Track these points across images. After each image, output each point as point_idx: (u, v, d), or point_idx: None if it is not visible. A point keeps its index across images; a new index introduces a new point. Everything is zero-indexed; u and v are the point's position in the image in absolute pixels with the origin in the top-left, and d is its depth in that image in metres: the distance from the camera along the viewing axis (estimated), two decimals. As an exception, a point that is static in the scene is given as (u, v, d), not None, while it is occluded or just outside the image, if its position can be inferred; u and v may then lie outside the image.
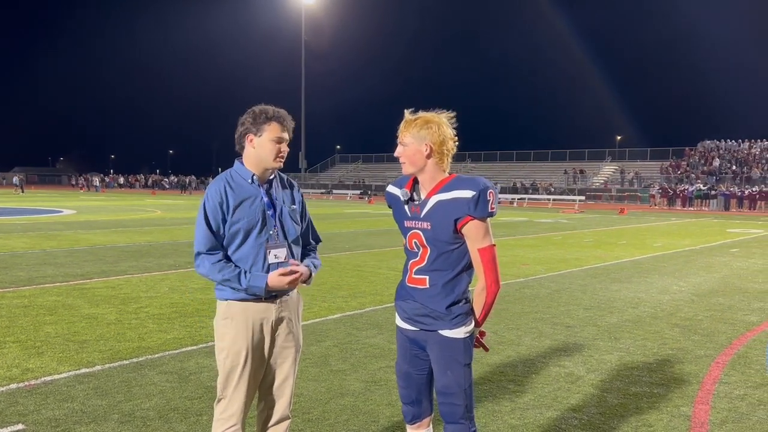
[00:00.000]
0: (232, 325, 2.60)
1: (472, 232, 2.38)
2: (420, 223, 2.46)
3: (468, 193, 2.35)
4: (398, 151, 2.47)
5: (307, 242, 2.89)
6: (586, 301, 7.52)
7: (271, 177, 2.71)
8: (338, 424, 3.67)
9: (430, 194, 2.44)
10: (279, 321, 2.68)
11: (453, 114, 2.50)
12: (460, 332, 2.44)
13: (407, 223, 2.52)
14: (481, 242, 2.39)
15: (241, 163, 2.68)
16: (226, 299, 2.63)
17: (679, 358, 5.17)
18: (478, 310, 2.47)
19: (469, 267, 2.47)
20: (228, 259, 2.61)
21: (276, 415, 2.74)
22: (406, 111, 2.48)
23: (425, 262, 2.48)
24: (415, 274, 2.51)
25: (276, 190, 2.72)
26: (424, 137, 2.41)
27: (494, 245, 2.42)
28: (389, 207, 2.67)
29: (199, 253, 2.60)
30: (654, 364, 5.01)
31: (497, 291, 2.44)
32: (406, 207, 2.52)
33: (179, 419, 3.68)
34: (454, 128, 2.48)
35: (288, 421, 2.77)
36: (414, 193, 2.52)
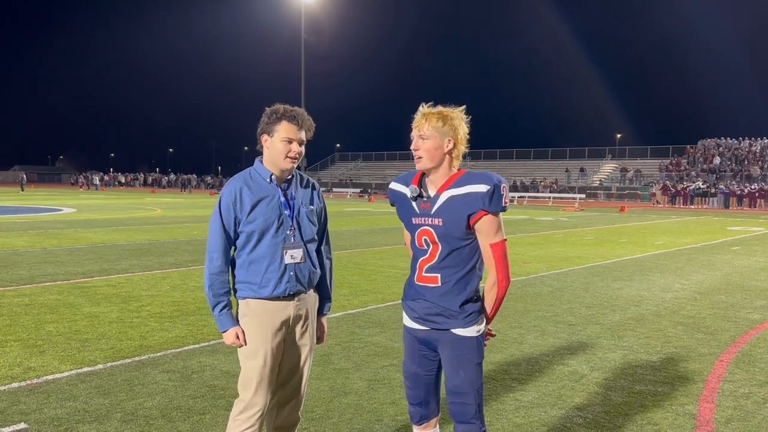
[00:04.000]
0: (252, 323, 2.60)
1: (486, 227, 2.35)
2: (430, 219, 2.41)
3: (482, 188, 2.32)
4: (416, 145, 2.39)
5: (319, 248, 2.84)
6: (589, 300, 7.50)
7: (290, 177, 2.70)
8: (342, 423, 3.65)
9: (441, 189, 2.40)
10: (297, 319, 2.68)
11: (463, 108, 2.45)
12: (472, 331, 2.41)
13: (416, 220, 2.47)
14: (493, 237, 2.37)
15: (261, 162, 2.68)
16: (245, 297, 2.63)
17: (683, 357, 5.15)
18: (489, 306, 2.45)
19: (480, 264, 2.44)
20: (228, 271, 2.62)
21: (287, 414, 2.72)
22: (423, 105, 2.43)
23: (436, 259, 2.42)
24: (426, 272, 2.45)
25: (294, 190, 2.71)
26: (447, 132, 2.37)
27: (506, 240, 2.40)
28: (392, 205, 2.62)
29: (210, 253, 2.62)
30: (658, 362, 4.99)
31: (508, 286, 2.42)
32: (414, 204, 2.47)
33: (182, 418, 3.66)
34: (468, 127, 2.44)
35: (298, 421, 2.76)
36: (422, 189, 2.46)
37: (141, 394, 4.05)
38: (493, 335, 2.58)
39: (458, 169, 2.45)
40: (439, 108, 2.42)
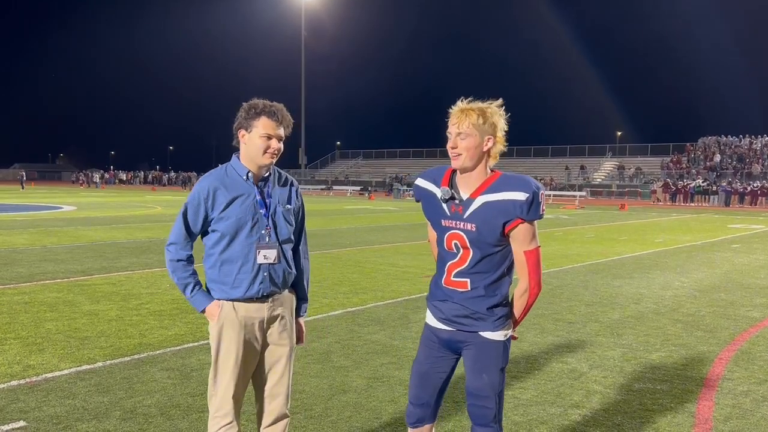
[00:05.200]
0: (223, 324, 2.57)
1: (521, 234, 2.27)
2: (462, 223, 2.31)
3: (521, 195, 2.22)
4: (455, 143, 2.26)
5: (296, 248, 2.79)
6: (588, 297, 7.50)
7: (267, 174, 2.63)
8: (341, 421, 3.65)
9: (476, 194, 2.29)
10: (271, 320, 2.64)
11: (501, 103, 2.34)
12: (500, 335, 2.36)
13: (446, 223, 2.36)
14: (528, 245, 2.29)
15: (238, 158, 2.61)
16: (217, 298, 2.59)
17: (683, 355, 5.15)
18: (517, 311, 2.40)
19: (510, 269, 2.37)
20: (190, 261, 2.59)
21: (273, 414, 2.70)
22: (461, 100, 2.32)
23: (467, 264, 2.34)
24: (455, 276, 2.37)
25: (271, 188, 2.64)
26: (487, 130, 2.26)
27: (540, 247, 2.33)
28: (417, 201, 2.51)
29: (169, 243, 2.59)
30: (657, 360, 4.99)
31: (539, 293, 2.36)
32: (444, 205, 2.36)
33: (181, 416, 3.67)
34: (506, 122, 2.34)
35: (286, 419, 2.74)
36: (453, 191, 2.34)
37: (140, 392, 4.05)
38: (515, 338, 2.53)
39: (492, 170, 2.35)
40: (478, 103, 2.31)
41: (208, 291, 2.62)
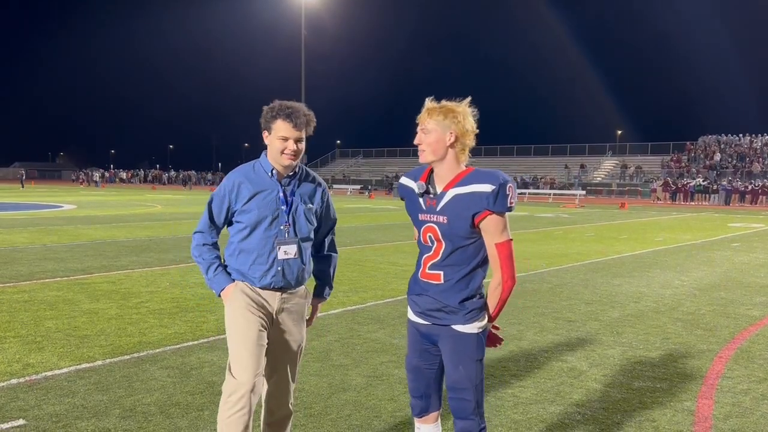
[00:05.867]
0: (235, 305, 2.65)
1: (491, 226, 2.34)
2: (436, 216, 2.40)
3: (487, 187, 2.31)
4: (419, 138, 2.40)
5: (320, 248, 2.91)
6: (588, 296, 7.50)
7: (291, 173, 2.72)
8: (340, 419, 3.65)
9: (447, 187, 2.39)
10: (282, 311, 2.71)
11: (469, 100, 2.44)
12: (473, 327, 2.41)
13: (422, 216, 2.46)
14: (499, 237, 2.35)
15: (266, 155, 2.73)
16: (233, 280, 2.69)
17: (682, 353, 5.15)
18: (492, 305, 2.44)
19: (484, 262, 2.43)
20: (216, 246, 2.74)
21: (278, 409, 2.73)
22: (427, 99, 2.43)
23: (440, 256, 2.42)
24: (429, 269, 2.45)
25: (296, 187, 2.73)
26: (449, 126, 2.36)
27: (511, 240, 2.39)
28: (401, 199, 2.62)
29: (196, 231, 2.75)
30: (657, 358, 4.99)
31: (513, 286, 2.41)
32: (421, 200, 2.47)
33: (180, 414, 3.66)
34: (475, 121, 2.43)
35: (290, 415, 2.76)
36: (429, 186, 2.44)
37: (140, 390, 4.05)
38: (500, 340, 2.57)
39: (466, 166, 2.43)
40: (444, 102, 2.42)
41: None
